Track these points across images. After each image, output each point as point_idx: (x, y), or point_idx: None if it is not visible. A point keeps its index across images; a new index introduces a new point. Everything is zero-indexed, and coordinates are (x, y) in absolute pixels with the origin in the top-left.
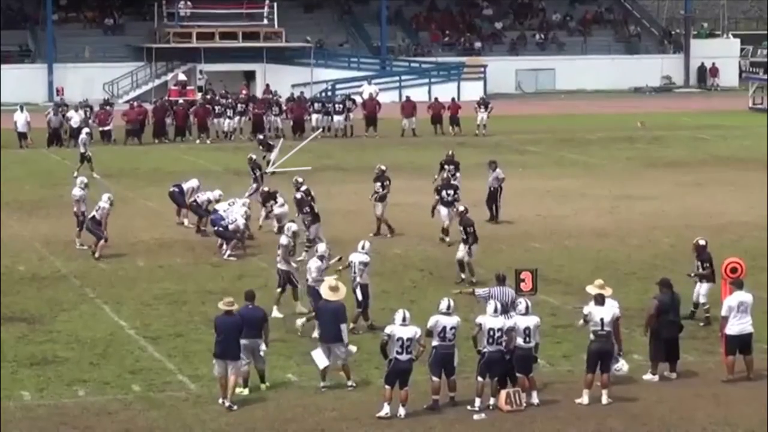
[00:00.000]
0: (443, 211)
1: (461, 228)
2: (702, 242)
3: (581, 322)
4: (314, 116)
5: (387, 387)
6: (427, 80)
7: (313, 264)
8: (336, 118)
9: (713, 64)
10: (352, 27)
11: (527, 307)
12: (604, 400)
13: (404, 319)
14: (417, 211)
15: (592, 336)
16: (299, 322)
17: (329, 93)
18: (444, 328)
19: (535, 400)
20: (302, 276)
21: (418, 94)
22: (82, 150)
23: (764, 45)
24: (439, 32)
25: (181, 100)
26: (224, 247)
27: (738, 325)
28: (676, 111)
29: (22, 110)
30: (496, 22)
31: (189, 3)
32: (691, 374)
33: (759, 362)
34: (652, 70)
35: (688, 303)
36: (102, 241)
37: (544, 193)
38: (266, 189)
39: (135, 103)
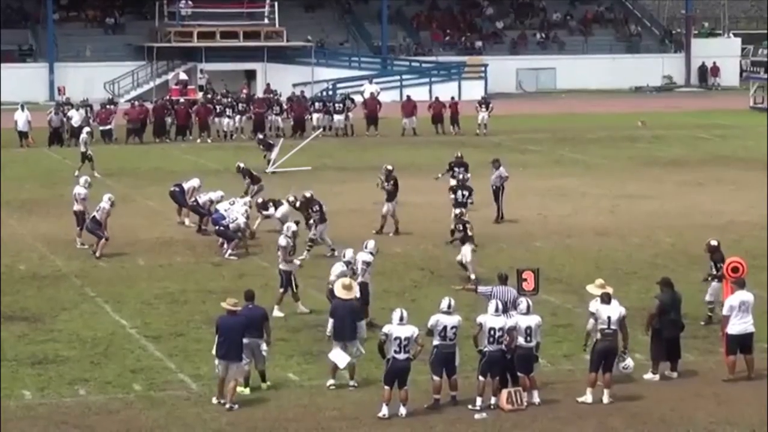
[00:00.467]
0: (457, 211)
1: (460, 226)
2: (714, 243)
3: (591, 321)
4: (315, 115)
5: (386, 387)
6: (427, 80)
7: (337, 268)
8: (337, 117)
9: (714, 63)
10: (353, 26)
11: (528, 307)
12: (606, 399)
13: (402, 319)
14: (418, 210)
15: (599, 335)
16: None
17: (330, 92)
18: (445, 327)
19: (536, 399)
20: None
21: (419, 93)
22: (83, 149)
23: (765, 44)
24: (439, 31)
25: (182, 100)
26: (225, 246)
27: (739, 325)
28: (676, 110)
29: (22, 109)
30: (497, 22)
31: (190, 2)
32: (691, 373)
33: (759, 362)
34: (653, 69)
35: (691, 303)
36: (103, 240)
37: (545, 193)
38: (260, 200)
39: (136, 103)
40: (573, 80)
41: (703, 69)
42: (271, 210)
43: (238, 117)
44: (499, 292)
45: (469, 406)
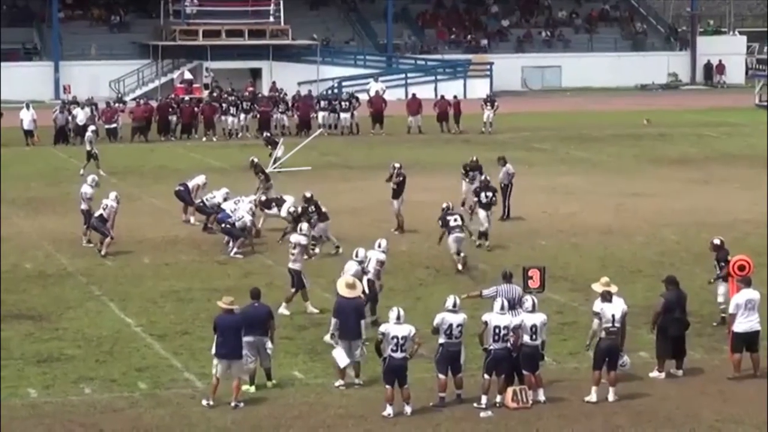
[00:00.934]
0: (481, 213)
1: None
2: (717, 241)
3: (595, 321)
4: (320, 114)
5: (387, 387)
6: (433, 78)
7: (351, 267)
8: (342, 115)
9: (720, 61)
10: (359, 24)
11: (534, 305)
12: (611, 397)
13: (398, 318)
14: (423, 208)
15: (603, 333)
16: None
17: (335, 91)
18: (450, 325)
19: (541, 397)
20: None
21: (425, 91)
22: (88, 148)
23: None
24: (445, 29)
25: (187, 98)
26: (231, 244)
27: (746, 323)
28: (682, 108)
29: (28, 108)
30: (503, 20)
31: (195, 0)
32: (697, 371)
33: (764, 360)
34: (659, 67)
35: (696, 301)
36: (108, 239)
37: (551, 191)
38: (263, 198)
39: (141, 101)
40: (578, 78)
41: (708, 67)
42: (274, 209)
43: (243, 115)
44: (503, 290)
45: (475, 405)
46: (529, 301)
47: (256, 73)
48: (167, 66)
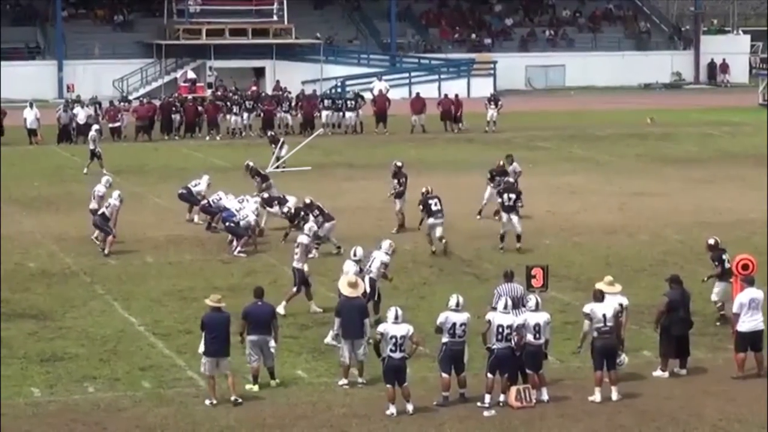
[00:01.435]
0: (504, 217)
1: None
2: (711, 241)
3: (586, 323)
4: (324, 113)
5: (388, 386)
6: (436, 77)
7: (350, 267)
8: (347, 114)
9: (723, 60)
10: (362, 23)
11: (537, 304)
12: (615, 396)
13: (397, 317)
14: None
15: (595, 333)
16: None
17: (339, 90)
18: (454, 324)
19: (544, 396)
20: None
21: (428, 90)
22: (91, 147)
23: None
24: (449, 28)
25: (190, 97)
26: (234, 243)
27: (749, 322)
28: (685, 107)
29: (31, 107)
30: (506, 19)
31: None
32: (701, 371)
33: None
34: (662, 66)
35: (700, 300)
36: (110, 237)
37: (554, 190)
38: (266, 195)
39: (144, 100)
40: (582, 77)
41: (712, 66)
42: (276, 208)
43: (246, 114)
44: (505, 290)
45: (478, 404)
46: (532, 300)
47: (259, 72)
48: (171, 65)
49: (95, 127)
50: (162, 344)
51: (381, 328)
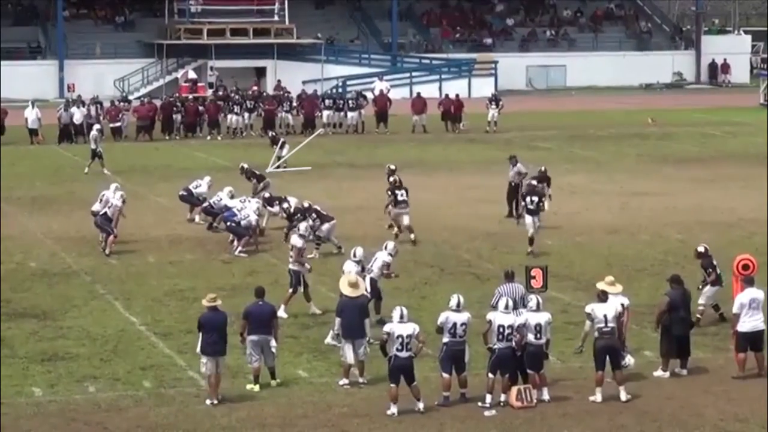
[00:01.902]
0: (528, 219)
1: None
2: (701, 249)
3: (587, 323)
4: (325, 113)
5: (392, 386)
6: (437, 76)
7: (350, 267)
8: (348, 114)
9: (724, 60)
10: (363, 23)
11: (538, 304)
12: (623, 397)
13: (402, 317)
14: (428, 207)
15: (596, 333)
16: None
17: (340, 89)
18: (454, 324)
19: (545, 396)
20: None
21: (429, 90)
22: (93, 146)
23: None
24: (450, 28)
25: (191, 97)
26: (235, 243)
27: (750, 322)
28: (687, 107)
29: (32, 106)
30: (507, 19)
31: None
32: (701, 371)
33: None
34: (663, 66)
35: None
36: (111, 237)
37: (555, 190)
38: (267, 195)
39: (145, 100)
40: (583, 77)
41: (713, 66)
42: (276, 207)
43: (247, 114)
44: (506, 290)
45: (479, 404)
46: (533, 300)
47: (260, 72)
48: (172, 65)
49: (96, 126)
50: (163, 344)
51: (387, 327)
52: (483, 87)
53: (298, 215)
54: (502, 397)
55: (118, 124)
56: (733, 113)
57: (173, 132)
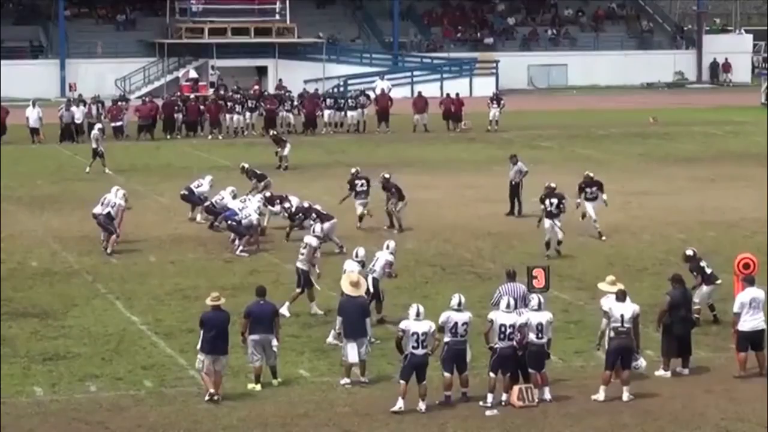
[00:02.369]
0: (546, 223)
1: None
2: (689, 252)
3: (604, 320)
4: (326, 112)
5: (402, 382)
6: (439, 76)
7: (352, 267)
8: (348, 113)
9: (726, 59)
10: (364, 22)
11: (540, 303)
12: (625, 397)
13: (418, 314)
14: (429, 206)
15: (612, 333)
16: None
17: (341, 89)
18: (455, 324)
19: (547, 396)
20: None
21: (430, 89)
22: (94, 146)
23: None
24: (451, 28)
25: (192, 96)
26: (237, 242)
27: (750, 322)
28: (688, 107)
29: (34, 106)
30: (509, 18)
31: None
32: (703, 370)
33: None
34: (665, 65)
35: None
36: (113, 237)
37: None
38: (268, 194)
39: (147, 99)
40: (584, 76)
41: (714, 65)
42: (278, 207)
43: (249, 113)
44: (507, 289)
45: (480, 403)
46: (535, 299)
47: (261, 71)
48: (173, 64)
49: (98, 126)
50: (164, 343)
51: (403, 324)
52: (484, 86)
53: (300, 215)
54: (504, 397)
55: (119, 123)
56: (734, 113)
57: (174, 131)
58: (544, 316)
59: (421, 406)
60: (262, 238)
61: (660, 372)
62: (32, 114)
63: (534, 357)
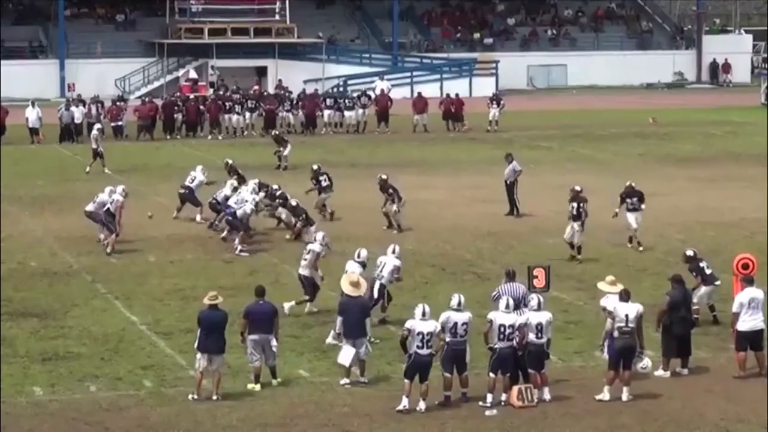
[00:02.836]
0: (574, 225)
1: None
2: (690, 252)
3: (608, 321)
4: (326, 112)
5: (406, 381)
6: (438, 76)
7: (354, 268)
8: (347, 113)
9: (725, 60)
10: (364, 23)
11: (539, 303)
12: (625, 397)
13: (424, 314)
14: (429, 207)
15: (616, 333)
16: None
17: (341, 89)
18: (455, 324)
19: (546, 396)
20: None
21: (430, 90)
22: (94, 146)
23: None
24: (450, 28)
25: (192, 96)
26: (236, 242)
27: (749, 322)
28: (688, 107)
29: (33, 106)
30: (508, 18)
31: None
32: (702, 370)
33: None
34: (664, 66)
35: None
36: (113, 236)
37: (556, 189)
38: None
39: (146, 99)
40: (584, 77)
41: (714, 66)
42: (278, 208)
43: (248, 114)
44: (507, 289)
45: (480, 403)
46: (534, 299)
47: (261, 72)
48: (173, 64)
49: (97, 126)
50: (164, 343)
51: (408, 324)
52: (484, 86)
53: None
54: (503, 397)
55: (119, 123)
56: (734, 113)
57: (174, 131)
58: (544, 316)
59: (422, 405)
60: (262, 237)
61: (660, 372)
62: (32, 114)
63: (533, 357)
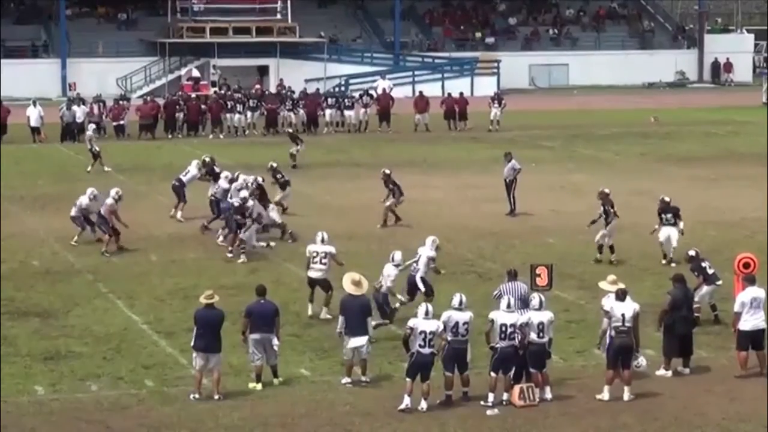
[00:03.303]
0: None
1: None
2: (692, 252)
3: (605, 320)
4: (328, 111)
5: (408, 380)
6: (440, 75)
7: (391, 271)
8: (347, 113)
9: (727, 59)
10: (366, 22)
11: (541, 302)
12: (626, 396)
13: (427, 313)
14: (430, 206)
15: (612, 332)
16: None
17: (342, 88)
18: (456, 323)
19: (548, 395)
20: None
21: (432, 89)
22: (88, 146)
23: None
24: (452, 27)
25: (193, 95)
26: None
27: (751, 321)
28: (689, 107)
29: (35, 105)
30: (510, 18)
31: None
32: (704, 370)
33: None
34: (666, 65)
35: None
36: (106, 237)
37: (558, 189)
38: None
39: (148, 98)
40: (586, 76)
41: (715, 65)
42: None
43: (250, 113)
44: (509, 288)
45: (481, 402)
46: (536, 299)
47: (263, 71)
48: (174, 63)
49: (92, 126)
50: (165, 342)
51: (411, 322)
52: (485, 86)
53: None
54: (505, 396)
55: (121, 122)
56: (735, 112)
57: (176, 131)
58: (546, 316)
59: (423, 405)
60: (265, 235)
61: (661, 371)
62: (33, 113)
63: (535, 356)
